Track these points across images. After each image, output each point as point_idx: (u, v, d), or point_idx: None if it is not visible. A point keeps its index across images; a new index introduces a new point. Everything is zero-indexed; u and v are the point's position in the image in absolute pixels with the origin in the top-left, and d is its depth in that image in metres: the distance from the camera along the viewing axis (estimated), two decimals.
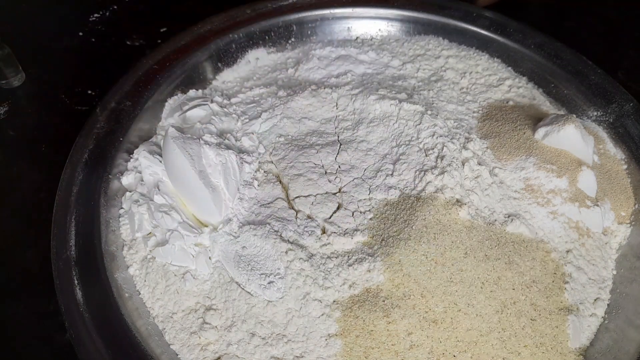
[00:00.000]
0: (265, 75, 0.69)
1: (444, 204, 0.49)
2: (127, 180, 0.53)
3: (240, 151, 0.55)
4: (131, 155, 0.55)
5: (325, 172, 0.54)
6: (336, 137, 0.58)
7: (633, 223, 0.54)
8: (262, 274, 0.46)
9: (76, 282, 0.44)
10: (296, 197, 0.52)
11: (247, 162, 0.54)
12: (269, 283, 0.45)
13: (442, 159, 0.52)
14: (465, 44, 0.72)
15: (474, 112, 0.62)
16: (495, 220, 0.50)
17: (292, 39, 0.73)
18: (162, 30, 0.79)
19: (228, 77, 0.69)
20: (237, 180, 0.52)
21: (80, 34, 0.79)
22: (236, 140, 0.57)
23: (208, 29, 0.69)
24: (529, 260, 0.48)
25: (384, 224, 0.49)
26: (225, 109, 0.60)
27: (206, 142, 0.52)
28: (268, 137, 0.58)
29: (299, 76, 0.67)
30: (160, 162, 0.52)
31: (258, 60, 0.71)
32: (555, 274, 0.48)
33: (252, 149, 0.57)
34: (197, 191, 0.50)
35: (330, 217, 0.50)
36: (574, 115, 0.57)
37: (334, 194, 0.52)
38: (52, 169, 0.54)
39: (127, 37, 0.78)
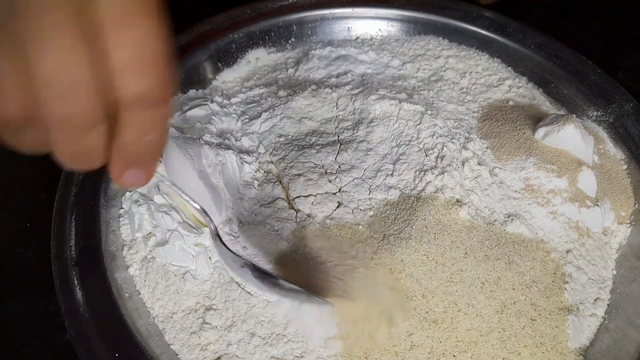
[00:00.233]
0: (265, 75, 0.69)
1: (444, 204, 0.49)
2: None
3: (240, 151, 0.55)
4: None
5: (325, 172, 0.54)
6: (336, 137, 0.58)
7: (633, 223, 0.54)
8: None
9: (76, 282, 0.44)
10: (296, 197, 0.52)
11: (247, 162, 0.54)
12: None
13: (442, 159, 0.52)
14: (465, 44, 0.72)
15: (474, 112, 0.62)
16: (495, 220, 0.50)
17: (292, 39, 0.73)
18: None
19: (228, 77, 0.69)
20: (237, 180, 0.52)
21: None
22: (236, 140, 0.57)
23: (208, 29, 0.69)
24: (529, 260, 0.48)
25: (384, 222, 0.49)
26: (225, 109, 0.60)
27: (206, 142, 0.52)
28: (268, 137, 0.58)
29: (299, 76, 0.67)
30: (160, 162, 0.52)
31: (258, 60, 0.71)
32: (555, 274, 0.48)
33: (252, 149, 0.57)
34: (197, 191, 0.50)
35: (330, 215, 0.50)
36: (574, 115, 0.57)
37: (334, 193, 0.52)
38: (52, 169, 0.54)
39: None
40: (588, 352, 0.46)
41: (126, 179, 0.30)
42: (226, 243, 0.48)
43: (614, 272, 0.51)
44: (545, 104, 0.66)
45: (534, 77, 0.68)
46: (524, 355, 0.44)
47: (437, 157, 0.53)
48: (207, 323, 0.45)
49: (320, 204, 0.51)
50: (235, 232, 0.49)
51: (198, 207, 0.44)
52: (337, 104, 0.61)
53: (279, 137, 0.58)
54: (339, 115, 0.60)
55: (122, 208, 0.51)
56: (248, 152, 0.56)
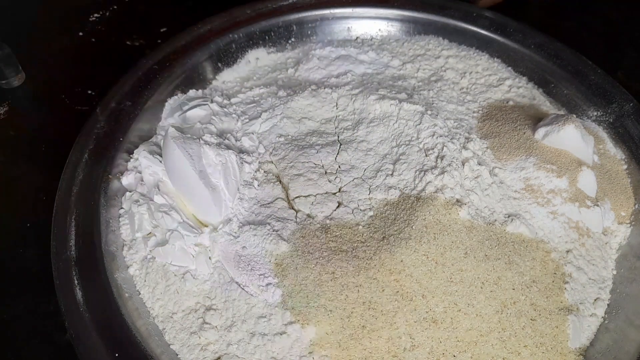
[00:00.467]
0: (265, 75, 0.69)
1: (444, 204, 0.49)
2: (127, 180, 0.53)
3: (240, 151, 0.55)
4: (131, 155, 0.55)
5: (325, 172, 0.54)
6: (336, 137, 0.58)
7: (633, 223, 0.54)
8: (260, 274, 0.46)
9: (76, 282, 0.44)
10: (296, 197, 0.52)
11: (247, 162, 0.54)
12: (266, 285, 0.45)
13: (442, 159, 0.52)
14: (465, 44, 0.72)
15: (474, 112, 0.62)
16: (495, 220, 0.50)
17: (292, 39, 0.73)
18: (162, 30, 0.79)
19: (228, 77, 0.69)
20: (237, 180, 0.52)
21: (80, 34, 0.79)
22: (236, 140, 0.57)
23: (208, 29, 0.69)
24: (529, 260, 0.48)
25: (384, 222, 0.49)
26: (225, 109, 0.60)
27: (206, 142, 0.52)
28: (268, 137, 0.58)
29: (299, 76, 0.67)
30: (160, 162, 0.52)
31: (258, 60, 0.71)
32: (555, 274, 0.48)
33: (252, 149, 0.57)
34: (197, 191, 0.50)
35: (330, 215, 0.50)
36: (574, 115, 0.57)
37: (334, 193, 0.52)
38: (52, 169, 0.54)
39: (127, 37, 0.78)
40: (588, 352, 0.46)
41: None
42: (226, 243, 0.49)
43: (614, 272, 0.51)
44: (545, 104, 0.66)
45: (534, 77, 0.68)
46: (524, 355, 0.44)
47: (437, 157, 0.53)
48: (207, 323, 0.45)
49: (320, 204, 0.51)
50: (235, 232, 0.49)
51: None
52: (337, 104, 0.61)
53: (279, 137, 0.58)
54: (339, 115, 0.60)
55: (122, 208, 0.51)
56: (248, 152, 0.56)
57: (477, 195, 0.51)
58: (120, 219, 0.51)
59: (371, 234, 0.48)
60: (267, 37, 0.71)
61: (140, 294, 0.47)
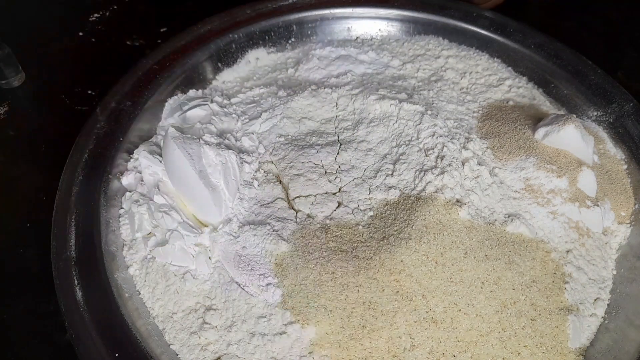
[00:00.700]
0: (265, 75, 0.69)
1: (444, 204, 0.49)
2: (127, 180, 0.53)
3: (240, 151, 0.55)
4: (131, 155, 0.55)
5: (325, 172, 0.54)
6: (336, 137, 0.58)
7: (633, 223, 0.54)
8: (260, 274, 0.46)
9: (76, 282, 0.44)
10: (296, 197, 0.52)
11: (247, 162, 0.54)
12: (266, 285, 0.45)
13: (442, 159, 0.52)
14: (465, 44, 0.72)
15: (474, 112, 0.62)
16: (495, 220, 0.50)
17: (292, 39, 0.73)
18: (162, 30, 0.79)
19: (228, 77, 0.69)
20: (237, 180, 0.52)
21: (80, 34, 0.80)
22: (236, 140, 0.57)
23: (208, 29, 0.69)
24: (529, 260, 0.48)
25: (384, 222, 0.49)
26: (225, 109, 0.60)
27: (206, 142, 0.52)
28: (268, 137, 0.58)
29: (299, 76, 0.67)
30: (160, 162, 0.52)
31: (258, 60, 0.71)
32: (555, 274, 0.48)
33: (252, 149, 0.57)
34: (197, 191, 0.50)
35: (330, 215, 0.50)
36: (574, 115, 0.57)
37: (334, 193, 0.52)
38: (52, 169, 0.54)
39: (127, 37, 0.79)
40: (588, 352, 0.46)
41: None
42: (226, 243, 0.49)
43: (614, 272, 0.51)
44: (545, 104, 0.66)
45: (534, 77, 0.68)
46: (524, 355, 0.44)
47: (437, 157, 0.53)
48: (207, 323, 0.45)
49: (320, 204, 0.51)
50: (235, 232, 0.49)
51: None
52: (337, 104, 0.61)
53: (279, 137, 0.58)
54: (339, 115, 0.60)
55: (122, 208, 0.51)
56: (248, 152, 0.56)
57: (477, 195, 0.51)
58: (120, 219, 0.51)
59: (371, 234, 0.48)
60: (267, 37, 0.71)
61: (140, 294, 0.47)
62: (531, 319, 0.45)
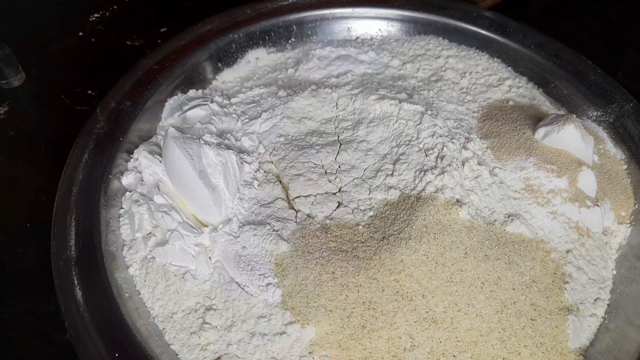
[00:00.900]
0: (265, 75, 0.69)
1: (444, 204, 0.49)
2: (127, 180, 0.53)
3: (240, 151, 0.55)
4: (131, 155, 0.55)
5: (325, 172, 0.54)
6: (336, 137, 0.58)
7: (633, 223, 0.54)
8: (260, 274, 0.46)
9: (76, 282, 0.44)
10: (296, 197, 0.52)
11: (247, 162, 0.54)
12: (266, 285, 0.45)
13: (442, 159, 0.52)
14: (465, 44, 0.72)
15: (474, 112, 0.62)
16: (495, 220, 0.50)
17: (292, 39, 0.73)
18: (162, 30, 0.79)
19: (228, 77, 0.69)
20: (237, 180, 0.52)
21: (80, 34, 0.80)
22: (236, 140, 0.57)
23: (208, 29, 0.69)
24: (529, 260, 0.48)
25: (384, 222, 0.49)
26: (225, 109, 0.60)
27: (206, 142, 0.52)
28: (268, 137, 0.58)
29: (299, 76, 0.67)
30: (160, 162, 0.52)
31: (258, 60, 0.71)
32: (555, 274, 0.48)
33: (252, 149, 0.57)
34: (197, 191, 0.50)
35: (330, 215, 0.50)
36: (574, 115, 0.57)
37: (334, 193, 0.52)
38: (52, 169, 0.54)
39: (127, 37, 0.79)
40: (588, 352, 0.46)
41: None
42: (226, 243, 0.49)
43: (614, 272, 0.51)
44: (545, 104, 0.66)
45: (534, 77, 0.68)
46: (524, 355, 0.44)
47: (437, 157, 0.53)
48: (207, 323, 0.45)
49: (320, 204, 0.51)
50: (235, 232, 0.49)
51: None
52: (337, 104, 0.61)
53: (279, 137, 0.58)
54: (339, 115, 0.60)
55: (122, 208, 0.51)
56: (248, 152, 0.56)
57: (477, 195, 0.51)
58: (120, 219, 0.51)
59: (371, 234, 0.48)
60: (267, 37, 0.71)
61: (140, 294, 0.47)
62: (531, 319, 0.45)
